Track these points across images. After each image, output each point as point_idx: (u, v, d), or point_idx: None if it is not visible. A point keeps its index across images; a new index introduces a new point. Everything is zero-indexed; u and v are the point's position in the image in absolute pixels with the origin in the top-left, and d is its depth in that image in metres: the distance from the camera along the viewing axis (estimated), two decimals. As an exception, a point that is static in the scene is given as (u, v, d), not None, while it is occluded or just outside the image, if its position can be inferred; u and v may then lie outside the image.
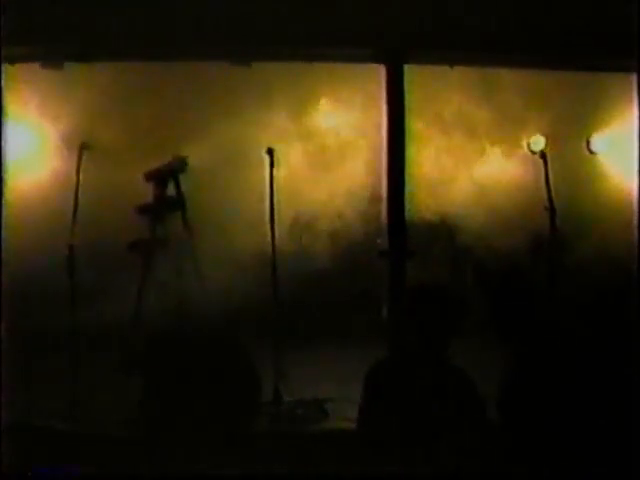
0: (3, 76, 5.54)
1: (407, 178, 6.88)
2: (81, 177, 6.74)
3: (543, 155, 7.55)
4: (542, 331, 4.48)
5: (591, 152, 8.55)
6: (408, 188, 6.88)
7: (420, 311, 4.35)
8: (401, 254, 6.79)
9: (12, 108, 6.15)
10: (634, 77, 6.71)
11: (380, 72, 6.93)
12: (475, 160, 8.34)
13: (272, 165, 6.77)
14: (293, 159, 7.46)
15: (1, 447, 4.58)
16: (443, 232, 8.15)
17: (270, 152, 6.79)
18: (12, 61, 6.18)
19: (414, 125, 7.05)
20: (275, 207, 6.69)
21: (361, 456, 4.38)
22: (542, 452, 4.24)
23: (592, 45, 6.80)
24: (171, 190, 7.50)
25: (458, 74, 7.63)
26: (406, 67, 6.88)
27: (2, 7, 5.33)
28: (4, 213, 5.48)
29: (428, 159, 7.93)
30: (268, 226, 6.75)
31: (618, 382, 4.29)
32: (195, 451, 4.95)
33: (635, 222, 6.74)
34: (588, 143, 8.52)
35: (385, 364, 4.47)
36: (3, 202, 5.45)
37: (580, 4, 6.68)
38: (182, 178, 7.46)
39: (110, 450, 5.27)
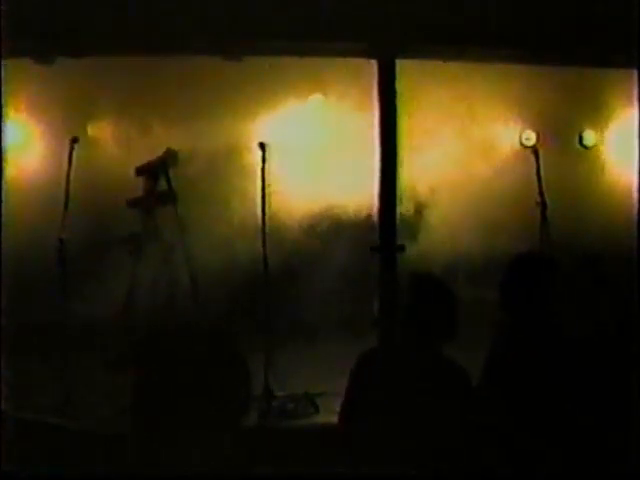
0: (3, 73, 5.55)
1: (398, 174, 6.88)
2: (72, 171, 6.74)
3: (535, 150, 7.57)
4: (535, 328, 4.44)
5: (584, 147, 8.56)
6: (399, 184, 6.88)
7: (413, 302, 4.33)
8: (391, 249, 6.79)
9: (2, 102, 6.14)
10: (631, 73, 6.71)
11: (372, 67, 6.91)
12: (467, 154, 8.32)
13: (264, 159, 6.78)
14: (285, 153, 7.44)
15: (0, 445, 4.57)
16: (433, 227, 8.13)
17: (262, 146, 6.80)
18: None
19: (406, 120, 7.02)
20: (266, 201, 6.70)
21: (351, 451, 4.37)
22: (534, 449, 4.23)
23: (589, 40, 6.79)
24: (162, 184, 7.51)
25: (451, 68, 7.62)
26: (398, 62, 6.86)
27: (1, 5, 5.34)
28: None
29: (420, 153, 7.90)
30: (259, 220, 6.76)
31: (617, 382, 4.28)
32: (182, 447, 4.94)
33: (634, 216, 6.76)
34: (581, 138, 8.52)
35: (369, 355, 4.43)
36: (3, 199, 5.46)
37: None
38: (173, 172, 7.46)
39: (100, 447, 5.27)
